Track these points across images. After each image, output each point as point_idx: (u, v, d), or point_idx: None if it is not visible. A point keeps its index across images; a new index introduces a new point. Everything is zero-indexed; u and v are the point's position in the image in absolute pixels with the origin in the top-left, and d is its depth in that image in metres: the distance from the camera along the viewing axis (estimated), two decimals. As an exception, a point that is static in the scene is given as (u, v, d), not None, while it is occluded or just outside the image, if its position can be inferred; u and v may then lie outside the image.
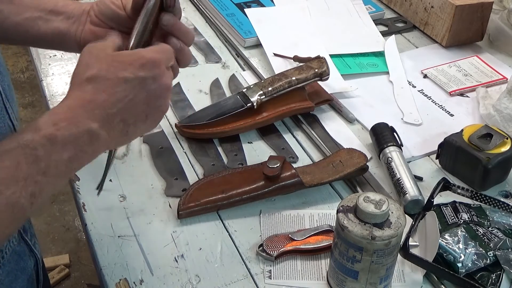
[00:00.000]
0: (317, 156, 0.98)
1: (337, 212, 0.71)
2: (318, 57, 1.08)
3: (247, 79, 1.15)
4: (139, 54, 0.64)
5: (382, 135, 0.96)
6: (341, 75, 1.16)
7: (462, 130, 0.94)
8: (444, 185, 0.88)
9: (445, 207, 0.86)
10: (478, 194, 0.87)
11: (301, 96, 1.04)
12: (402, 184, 0.88)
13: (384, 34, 1.30)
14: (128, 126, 0.63)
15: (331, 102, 1.08)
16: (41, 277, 0.82)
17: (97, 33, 0.75)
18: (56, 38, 0.76)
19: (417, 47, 1.29)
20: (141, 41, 0.68)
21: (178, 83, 1.12)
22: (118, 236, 0.82)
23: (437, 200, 0.86)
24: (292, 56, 1.15)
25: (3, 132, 0.64)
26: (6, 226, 0.56)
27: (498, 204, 0.86)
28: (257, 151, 0.98)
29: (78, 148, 0.59)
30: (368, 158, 0.93)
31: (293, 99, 1.03)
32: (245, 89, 1.02)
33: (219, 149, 0.98)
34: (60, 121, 0.58)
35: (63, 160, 0.58)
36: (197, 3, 1.38)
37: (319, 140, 1.00)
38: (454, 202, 0.87)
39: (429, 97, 1.14)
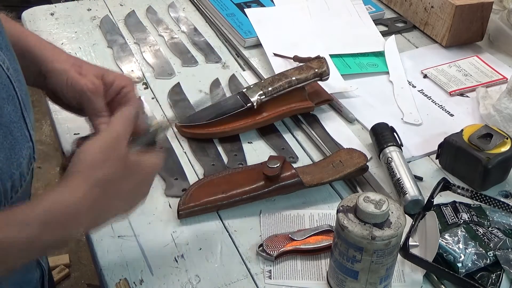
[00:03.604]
0: (317, 156, 0.98)
1: (337, 212, 0.71)
2: (318, 57, 1.08)
3: (247, 79, 1.15)
4: (144, 162, 0.68)
5: (382, 135, 0.96)
6: (341, 75, 1.16)
7: (462, 130, 0.94)
8: (444, 185, 0.88)
9: (445, 207, 0.86)
10: (478, 194, 0.87)
11: (301, 96, 1.04)
12: (402, 184, 0.88)
13: (384, 34, 1.30)
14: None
15: (331, 102, 1.08)
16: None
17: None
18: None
19: (417, 47, 1.29)
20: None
21: (178, 83, 1.12)
22: (118, 236, 0.82)
23: (437, 200, 0.86)
24: (292, 56, 1.15)
25: (20, 142, 0.62)
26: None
27: (498, 204, 0.86)
28: (257, 151, 0.98)
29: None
30: (368, 158, 0.93)
31: (293, 99, 1.03)
32: (245, 89, 1.02)
33: (219, 149, 0.98)
34: (53, 222, 0.59)
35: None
36: (197, 3, 1.38)
37: (319, 140, 1.00)
38: (454, 202, 0.87)
39: (429, 97, 1.14)
